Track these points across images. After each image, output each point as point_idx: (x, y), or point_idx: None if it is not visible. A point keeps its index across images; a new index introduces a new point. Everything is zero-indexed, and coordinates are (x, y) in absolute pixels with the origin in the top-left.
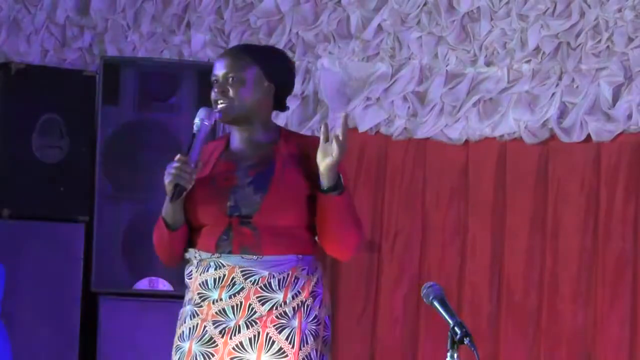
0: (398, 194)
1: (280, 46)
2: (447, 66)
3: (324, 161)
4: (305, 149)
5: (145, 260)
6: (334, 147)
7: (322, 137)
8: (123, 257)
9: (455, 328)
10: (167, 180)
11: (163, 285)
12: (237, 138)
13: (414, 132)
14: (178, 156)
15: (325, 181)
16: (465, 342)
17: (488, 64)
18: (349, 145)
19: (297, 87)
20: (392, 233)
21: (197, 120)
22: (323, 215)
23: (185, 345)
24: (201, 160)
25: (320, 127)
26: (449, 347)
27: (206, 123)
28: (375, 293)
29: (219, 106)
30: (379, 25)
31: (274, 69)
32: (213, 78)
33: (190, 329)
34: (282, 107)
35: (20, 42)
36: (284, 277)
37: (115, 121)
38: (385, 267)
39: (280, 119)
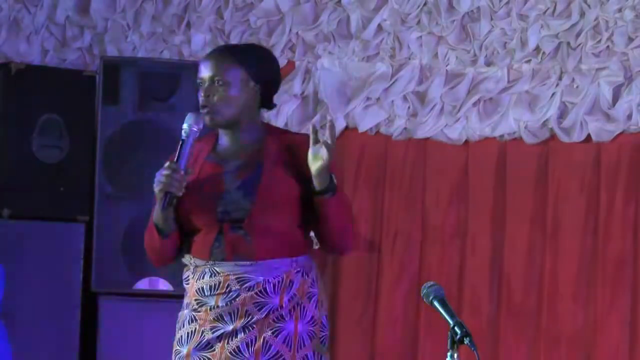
0: (398, 194)
1: (280, 46)
2: (447, 66)
3: (315, 164)
4: (292, 147)
5: (145, 260)
6: (324, 151)
7: (311, 139)
8: (123, 257)
9: (455, 328)
10: (157, 188)
11: (163, 285)
12: (224, 139)
13: (414, 132)
14: (167, 163)
15: (317, 184)
16: (465, 342)
17: (488, 64)
18: (349, 145)
19: (297, 87)
20: (392, 233)
21: (185, 126)
22: (319, 215)
23: (184, 350)
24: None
25: (310, 129)
26: (449, 347)
27: (194, 129)
28: (375, 293)
29: (206, 110)
30: (379, 25)
31: (259, 69)
32: (199, 81)
33: (188, 333)
34: (270, 106)
35: (20, 42)
36: (278, 282)
37: (115, 121)
38: (385, 267)
39: (280, 118)
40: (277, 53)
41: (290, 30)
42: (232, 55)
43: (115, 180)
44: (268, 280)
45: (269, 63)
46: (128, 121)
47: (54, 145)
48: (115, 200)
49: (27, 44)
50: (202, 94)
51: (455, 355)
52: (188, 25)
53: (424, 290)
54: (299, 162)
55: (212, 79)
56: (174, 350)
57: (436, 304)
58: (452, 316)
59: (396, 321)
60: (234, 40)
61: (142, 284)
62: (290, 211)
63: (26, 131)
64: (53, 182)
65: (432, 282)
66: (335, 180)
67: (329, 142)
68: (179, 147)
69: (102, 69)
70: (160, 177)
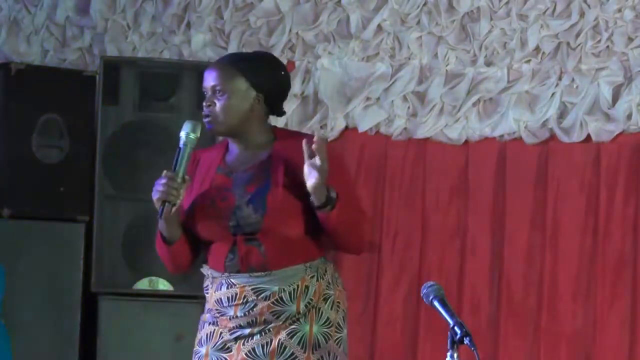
0: (398, 194)
1: (280, 46)
2: (447, 66)
3: (309, 182)
4: (295, 160)
5: (145, 260)
6: (315, 172)
7: (305, 156)
8: (123, 257)
9: (455, 328)
10: (155, 197)
11: (163, 285)
12: (232, 147)
13: (414, 132)
14: (165, 172)
15: (315, 200)
16: (465, 342)
17: (488, 64)
18: (348, 145)
19: (297, 87)
20: (392, 233)
21: (182, 134)
22: (324, 227)
23: (202, 350)
24: (198, 171)
25: (304, 146)
26: (449, 347)
27: (192, 137)
28: (375, 293)
29: (207, 120)
30: (379, 25)
31: (261, 78)
32: (203, 90)
33: (207, 334)
34: (279, 113)
35: (20, 42)
36: (294, 289)
37: (115, 121)
38: (385, 267)
39: (280, 118)
40: (277, 53)
41: (290, 30)
42: (233, 64)
43: (115, 180)
44: (284, 289)
45: (272, 71)
46: (128, 121)
47: (54, 145)
48: (115, 200)
49: (27, 44)
50: (205, 103)
51: (455, 355)
52: (188, 25)
53: (424, 290)
54: (300, 177)
55: (213, 89)
56: (194, 350)
57: (436, 304)
58: (452, 316)
59: (396, 321)
60: (233, 40)
61: (142, 284)
62: (300, 221)
63: (26, 131)
64: (53, 182)
65: (432, 282)
66: (332, 194)
67: (318, 163)
68: (176, 155)
69: (102, 69)
70: (158, 186)
